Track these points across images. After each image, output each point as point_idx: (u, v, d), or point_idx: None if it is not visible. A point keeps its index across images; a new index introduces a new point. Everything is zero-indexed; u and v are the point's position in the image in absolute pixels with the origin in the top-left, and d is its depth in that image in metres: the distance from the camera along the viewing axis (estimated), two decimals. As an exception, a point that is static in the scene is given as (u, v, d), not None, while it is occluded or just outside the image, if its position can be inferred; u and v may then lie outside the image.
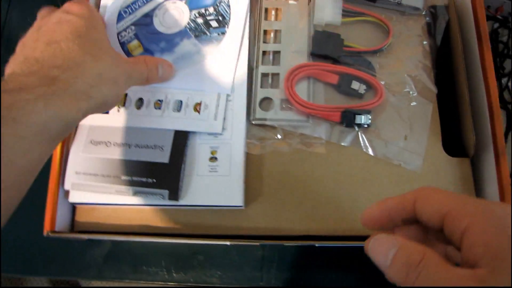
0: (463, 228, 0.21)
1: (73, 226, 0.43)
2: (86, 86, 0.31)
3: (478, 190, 0.41)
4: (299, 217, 0.41)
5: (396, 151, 0.42)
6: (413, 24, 0.45)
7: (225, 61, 0.43)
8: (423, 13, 0.46)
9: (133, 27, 0.45)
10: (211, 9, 0.45)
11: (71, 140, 0.43)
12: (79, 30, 0.33)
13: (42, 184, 0.40)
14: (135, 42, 0.44)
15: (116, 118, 0.43)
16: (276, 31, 0.46)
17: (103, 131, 0.42)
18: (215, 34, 0.44)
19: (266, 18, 0.46)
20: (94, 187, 0.40)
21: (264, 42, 0.45)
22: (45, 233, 0.40)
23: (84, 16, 0.34)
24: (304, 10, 0.46)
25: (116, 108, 0.43)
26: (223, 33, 0.44)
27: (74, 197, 0.41)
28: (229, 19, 0.45)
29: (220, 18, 0.45)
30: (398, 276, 0.22)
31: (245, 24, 0.45)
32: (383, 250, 0.23)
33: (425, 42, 0.45)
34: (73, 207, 0.43)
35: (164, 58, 0.43)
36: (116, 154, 0.41)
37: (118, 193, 0.40)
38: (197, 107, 0.42)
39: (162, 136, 0.41)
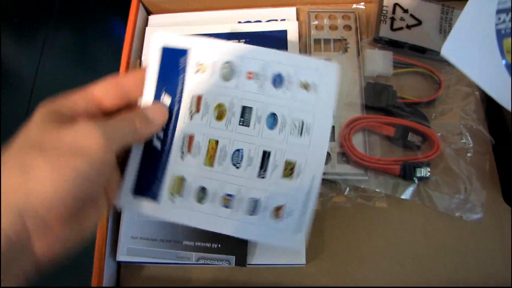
0: None
1: (119, 284, 0.42)
2: None
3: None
4: (363, 274, 0.40)
5: (456, 203, 0.41)
6: (463, 75, 0.46)
7: None
8: (472, 63, 0.46)
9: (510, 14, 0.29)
10: None
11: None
12: None
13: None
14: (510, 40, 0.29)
15: (168, 210, 0.32)
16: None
17: None
18: None
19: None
20: (153, 252, 0.39)
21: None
22: (92, 292, 0.39)
23: None
24: (354, 61, 0.46)
25: (169, 197, 0.32)
26: None
27: (122, 257, 0.40)
28: None
29: None
30: None
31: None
32: None
33: (476, 92, 0.45)
34: (119, 264, 0.42)
35: None
36: None
37: (180, 259, 0.39)
38: (278, 212, 0.32)
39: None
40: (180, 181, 0.32)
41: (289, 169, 0.31)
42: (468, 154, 0.43)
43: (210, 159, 0.32)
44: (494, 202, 0.42)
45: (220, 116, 0.32)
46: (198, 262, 0.39)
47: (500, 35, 0.30)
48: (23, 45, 0.60)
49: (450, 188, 0.41)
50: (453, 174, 0.42)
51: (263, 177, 0.32)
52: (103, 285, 0.39)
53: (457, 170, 0.42)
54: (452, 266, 0.40)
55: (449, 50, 0.30)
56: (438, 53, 0.46)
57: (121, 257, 0.40)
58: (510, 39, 0.29)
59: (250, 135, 0.31)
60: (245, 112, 0.32)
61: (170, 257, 0.39)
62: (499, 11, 0.30)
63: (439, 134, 0.43)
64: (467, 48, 0.31)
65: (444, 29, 0.47)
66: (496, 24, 0.30)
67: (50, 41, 0.60)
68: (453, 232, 0.41)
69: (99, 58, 0.59)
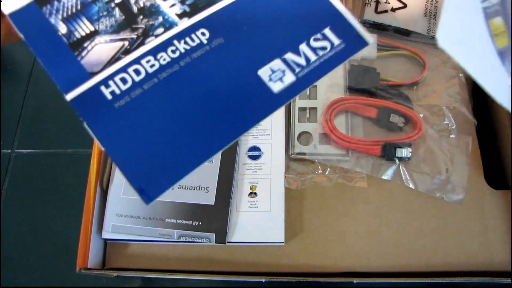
0: None
1: (105, 262, 0.43)
2: None
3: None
4: (341, 253, 0.40)
5: (437, 184, 0.41)
6: (447, 57, 0.45)
7: None
8: (457, 45, 0.46)
9: None
10: None
11: (109, 182, 0.42)
12: None
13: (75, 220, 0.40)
14: (498, 21, 0.26)
15: None
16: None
17: None
18: None
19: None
20: (136, 229, 0.40)
21: (300, 76, 0.46)
22: (77, 269, 0.40)
23: None
24: (338, 44, 0.46)
25: None
26: None
27: (107, 234, 0.41)
28: None
29: None
30: None
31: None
32: None
33: (461, 75, 0.45)
34: (105, 242, 0.43)
35: None
36: None
37: (162, 236, 0.39)
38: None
39: (206, 177, 0.41)
40: None
41: None
42: (451, 136, 0.42)
43: None
44: (476, 184, 0.41)
45: None
46: (179, 240, 0.39)
47: (487, 16, 0.27)
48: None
49: (432, 169, 0.41)
50: (435, 155, 0.42)
51: None
52: (88, 263, 0.40)
53: (439, 151, 0.42)
54: (432, 247, 0.40)
55: (444, 39, 0.27)
56: (423, 35, 0.46)
57: (106, 234, 0.41)
58: (495, 20, 0.28)
59: None
60: None
61: (153, 234, 0.40)
62: None
63: (421, 116, 0.43)
64: (460, 34, 0.28)
65: (429, 12, 0.46)
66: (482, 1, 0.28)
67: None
68: (434, 213, 0.41)
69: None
